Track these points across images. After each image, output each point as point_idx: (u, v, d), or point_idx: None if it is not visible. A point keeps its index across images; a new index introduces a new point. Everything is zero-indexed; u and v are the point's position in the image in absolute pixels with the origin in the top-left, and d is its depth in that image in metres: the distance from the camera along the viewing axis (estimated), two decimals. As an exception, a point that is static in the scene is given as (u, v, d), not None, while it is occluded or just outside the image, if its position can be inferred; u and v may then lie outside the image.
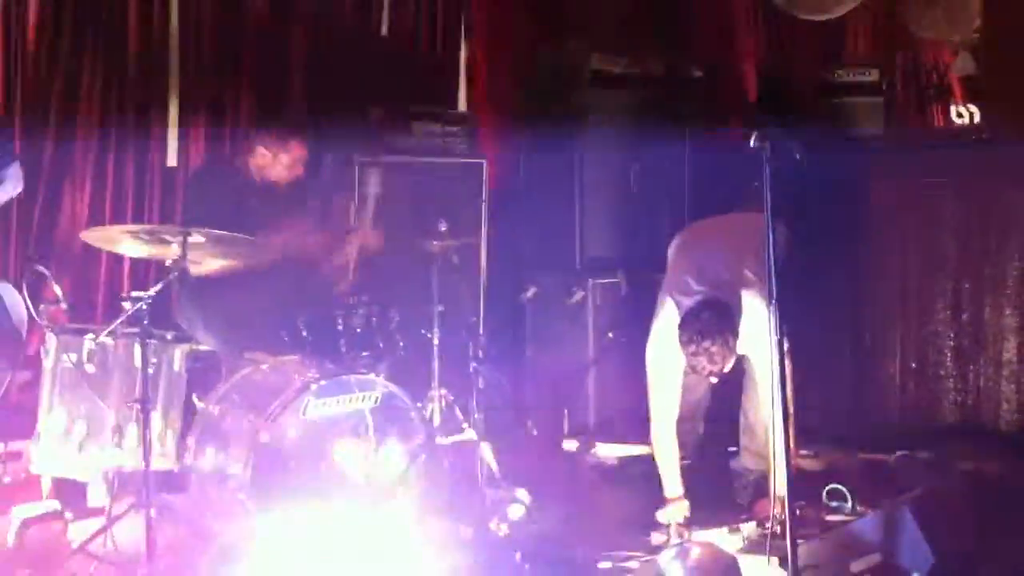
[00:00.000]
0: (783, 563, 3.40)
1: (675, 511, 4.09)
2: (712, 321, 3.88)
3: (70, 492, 4.08)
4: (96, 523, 3.78)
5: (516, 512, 4.08)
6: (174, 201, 4.85)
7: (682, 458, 4.21)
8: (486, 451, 4.45)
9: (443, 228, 4.67)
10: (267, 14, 5.36)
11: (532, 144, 5.87)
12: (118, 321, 3.58)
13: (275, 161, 4.40)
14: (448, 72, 6.08)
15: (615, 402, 5.27)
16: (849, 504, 4.22)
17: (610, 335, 5.31)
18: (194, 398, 4.03)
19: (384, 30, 5.84)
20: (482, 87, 6.13)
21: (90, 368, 3.90)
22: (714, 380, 4.01)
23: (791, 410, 3.81)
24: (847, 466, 4.70)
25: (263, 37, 5.32)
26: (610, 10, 6.21)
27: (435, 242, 4.66)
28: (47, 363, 3.94)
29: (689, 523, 4.06)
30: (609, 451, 5.04)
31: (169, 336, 4.09)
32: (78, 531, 3.72)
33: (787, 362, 3.64)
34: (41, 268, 4.07)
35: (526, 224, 5.76)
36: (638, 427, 4.54)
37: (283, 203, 4.45)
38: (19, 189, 4.27)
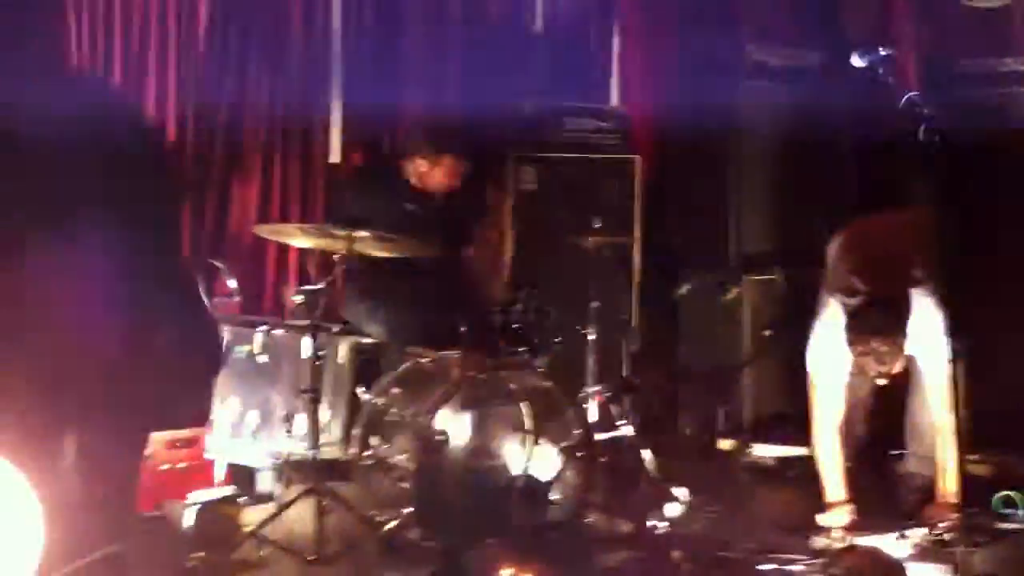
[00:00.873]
0: (954, 572, 3.31)
1: (837, 515, 4.00)
2: (880, 320, 3.79)
3: (241, 478, 4.25)
4: (267, 508, 3.93)
5: (674, 510, 4.07)
6: (338, 196, 4.96)
7: (843, 461, 4.12)
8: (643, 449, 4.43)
9: (597, 224, 4.67)
10: (423, 12, 5.44)
11: (686, 138, 5.82)
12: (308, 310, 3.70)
13: (431, 173, 4.52)
14: (601, 67, 6.05)
15: (772, 402, 5.18)
16: (1021, 511, 4.06)
17: (766, 333, 5.22)
18: (358, 390, 4.13)
19: (538, 26, 5.86)
20: (635, 81, 6.09)
21: (262, 359, 4.05)
22: (882, 382, 3.91)
23: (961, 413, 3.70)
24: (1020, 471, 4.51)
25: (420, 35, 5.41)
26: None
27: (589, 239, 4.67)
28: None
29: (853, 528, 3.97)
30: (766, 451, 4.96)
31: (335, 329, 4.22)
32: (250, 516, 3.85)
33: (957, 363, 3.57)
34: (216, 262, 4.24)
35: (680, 220, 5.71)
36: (796, 428, 4.48)
37: (440, 211, 4.54)
38: None
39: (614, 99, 6.06)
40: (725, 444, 5.12)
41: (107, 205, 2.38)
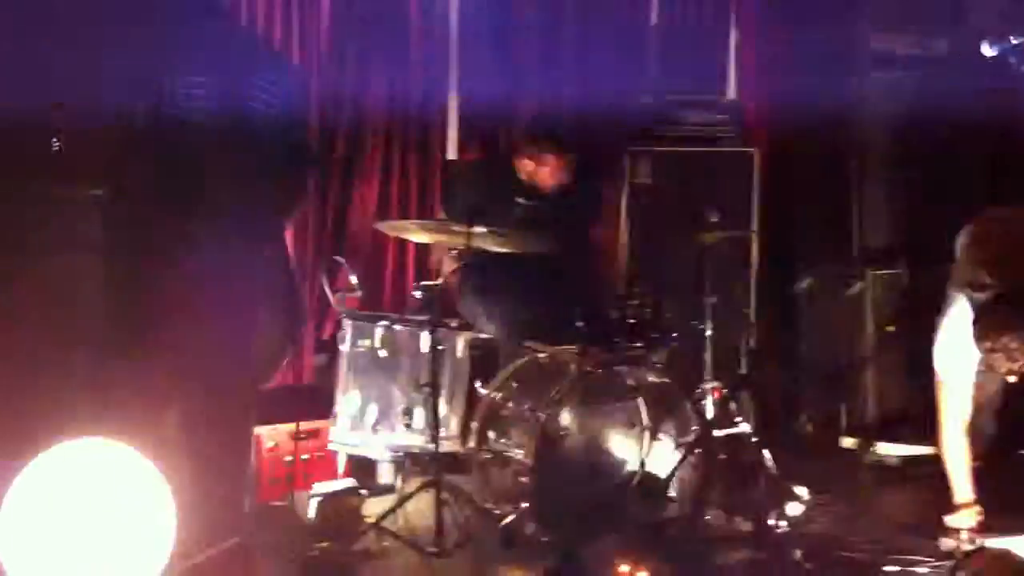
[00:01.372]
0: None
1: (966, 517, 3.88)
2: (1010, 316, 3.65)
3: (361, 469, 4.34)
4: (387, 500, 4.00)
5: (795, 509, 4.00)
6: (453, 192, 5.01)
7: (971, 460, 4.00)
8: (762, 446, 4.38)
9: (714, 218, 4.62)
10: (539, 7, 5.44)
11: (805, 130, 5.70)
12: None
13: (539, 170, 4.57)
14: (718, 59, 5.97)
15: (896, 399, 5.05)
16: None
17: (890, 328, 5.09)
18: (476, 384, 4.18)
19: (654, 19, 5.82)
20: (753, 73, 6.00)
21: (383, 353, 4.13)
22: (1012, 379, 3.78)
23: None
24: None
25: (536, 30, 5.42)
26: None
27: (706, 233, 4.62)
28: (343, 347, 4.20)
29: (981, 530, 3.84)
30: (890, 450, 4.84)
31: (453, 324, 4.27)
32: (371, 507, 3.93)
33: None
34: (338, 257, 4.34)
35: (799, 213, 5.61)
36: (921, 426, 4.35)
37: (552, 206, 4.57)
38: None
39: (731, 91, 5.97)
40: (847, 442, 5.01)
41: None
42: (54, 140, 2.56)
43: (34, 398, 1.82)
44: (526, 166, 4.60)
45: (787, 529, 3.91)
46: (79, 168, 2.52)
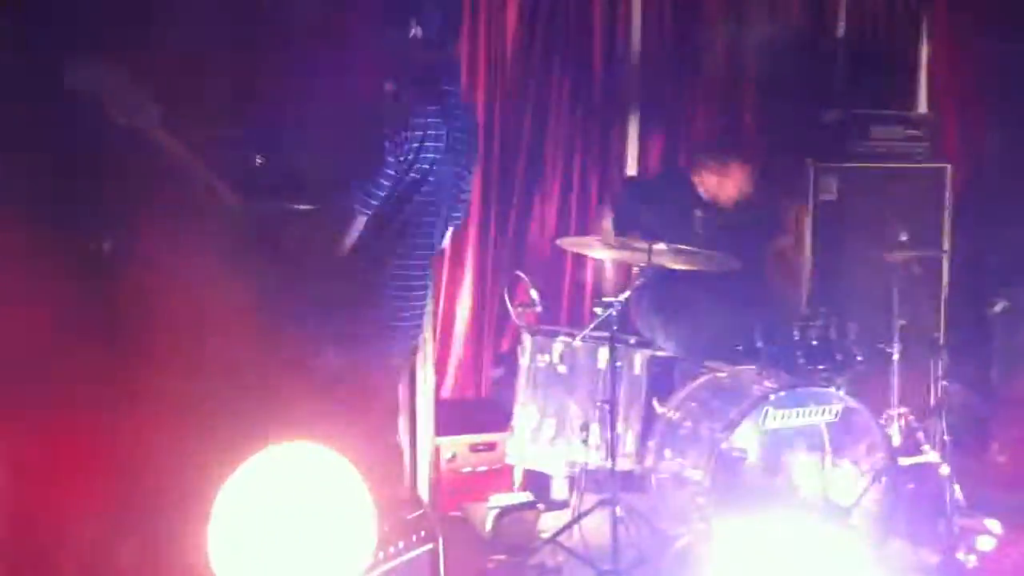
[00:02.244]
0: None
1: None
2: None
3: (536, 484, 4.37)
4: (562, 516, 4.03)
5: (986, 544, 3.83)
6: (632, 207, 4.99)
7: None
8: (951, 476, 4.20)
9: (903, 238, 4.47)
10: (722, 28, 5.38)
11: (1001, 146, 5.46)
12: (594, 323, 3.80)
13: (718, 185, 4.51)
14: (908, 72, 5.78)
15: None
16: None
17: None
18: (654, 402, 4.15)
19: (840, 31, 5.68)
20: (945, 86, 5.78)
21: (562, 369, 4.15)
22: None
23: None
24: None
25: (717, 42, 5.36)
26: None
27: (895, 252, 4.47)
28: (523, 361, 4.24)
29: None
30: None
31: (631, 341, 4.26)
32: (547, 522, 3.96)
33: None
34: (520, 273, 4.39)
35: (994, 232, 5.36)
36: None
37: (729, 221, 4.50)
38: None
39: (922, 105, 5.77)
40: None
41: None
42: (258, 157, 2.69)
43: (245, 402, 1.91)
44: (708, 180, 4.54)
45: (977, 564, 3.75)
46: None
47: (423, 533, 2.38)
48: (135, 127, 2.17)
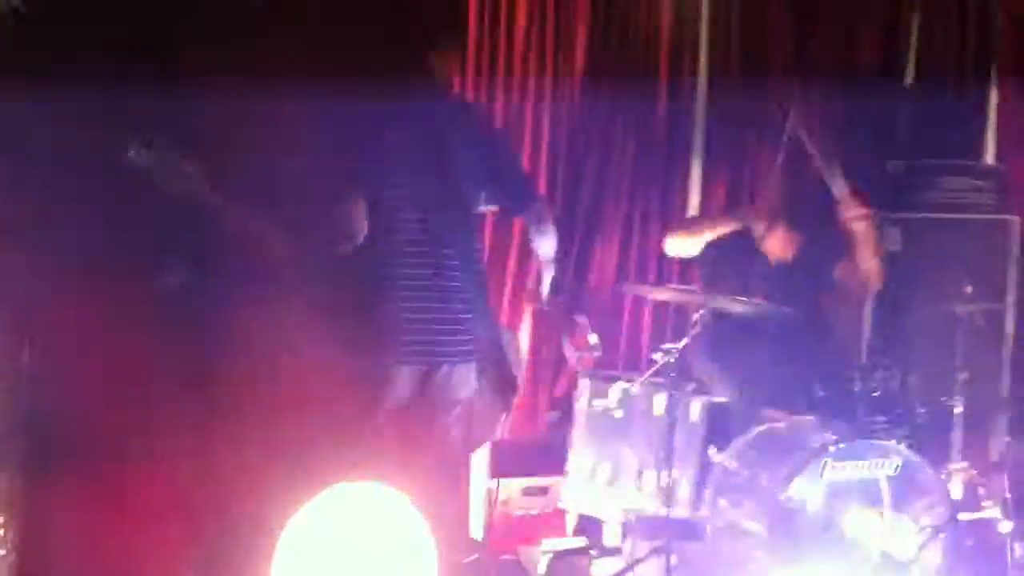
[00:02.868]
0: None
1: None
2: None
3: (589, 529, 4.35)
4: (615, 562, 4.00)
5: (1048, 605, 3.74)
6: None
7: None
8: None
9: (968, 289, 4.42)
10: (787, 73, 5.37)
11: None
12: (651, 371, 3.79)
13: (768, 238, 4.47)
14: (976, 121, 5.73)
15: None
16: None
17: None
18: (710, 450, 4.12)
19: (909, 79, 5.65)
20: (1013, 136, 5.72)
21: (618, 414, 4.15)
22: None
23: None
24: None
25: (777, 93, 5.35)
26: None
27: (959, 304, 4.42)
28: (579, 406, 4.25)
29: None
30: None
31: (689, 387, 4.24)
32: (600, 568, 3.94)
33: None
34: (579, 316, 4.39)
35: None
36: None
37: (783, 278, 4.47)
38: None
39: (989, 156, 5.71)
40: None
41: None
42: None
43: (312, 441, 1.94)
44: (757, 231, 4.52)
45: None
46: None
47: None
48: (186, 192, 2.28)
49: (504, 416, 3.49)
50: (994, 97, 5.77)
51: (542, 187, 4.91)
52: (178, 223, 2.10)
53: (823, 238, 4.65)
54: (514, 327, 4.91)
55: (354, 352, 2.45)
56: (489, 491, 4.26)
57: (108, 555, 1.66)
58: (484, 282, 3.42)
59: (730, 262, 4.43)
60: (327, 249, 2.75)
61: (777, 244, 4.49)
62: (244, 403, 1.81)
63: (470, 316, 3.22)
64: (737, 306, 3.93)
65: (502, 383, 3.34)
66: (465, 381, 3.20)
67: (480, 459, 4.17)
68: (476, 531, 4.17)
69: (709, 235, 4.40)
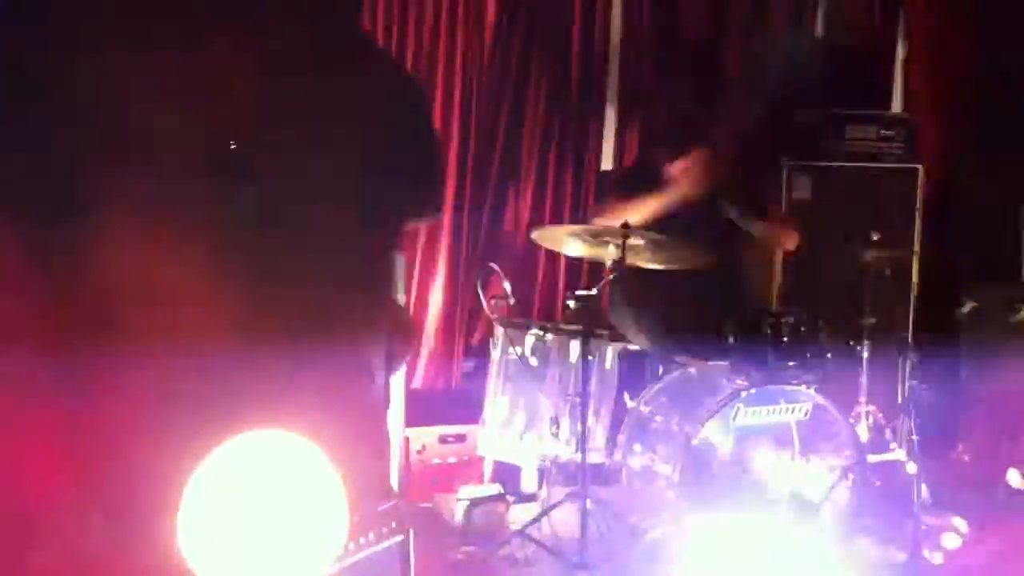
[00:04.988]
0: None
1: None
2: None
3: (506, 476, 4.37)
4: (531, 508, 4.02)
5: (952, 542, 3.86)
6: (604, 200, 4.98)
7: None
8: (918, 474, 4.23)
9: (875, 237, 4.51)
10: (704, 20, 5.39)
11: (975, 147, 5.51)
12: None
13: (680, 173, 4.49)
14: (884, 73, 5.81)
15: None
16: None
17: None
18: (625, 396, 4.16)
19: (819, 30, 5.70)
20: (920, 87, 5.81)
21: (533, 361, 4.15)
22: None
23: None
24: None
25: (698, 44, 5.37)
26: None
27: (867, 252, 4.50)
28: (495, 354, 4.24)
29: None
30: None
31: (604, 334, 4.26)
32: (516, 515, 3.96)
33: None
34: (493, 265, 4.37)
35: (965, 234, 5.40)
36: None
37: (697, 213, 4.50)
38: None
39: (896, 106, 5.80)
40: (1012, 477, 4.77)
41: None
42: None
43: (216, 390, 1.88)
44: (670, 170, 4.53)
45: (943, 562, 3.78)
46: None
47: (394, 524, 2.36)
48: None
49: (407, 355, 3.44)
50: (901, 48, 5.85)
51: (455, 137, 4.87)
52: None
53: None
54: (429, 276, 4.89)
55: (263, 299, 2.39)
56: (405, 440, 4.24)
57: (3, 510, 1.60)
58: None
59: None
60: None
61: (689, 172, 4.50)
62: (143, 352, 1.74)
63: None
64: (652, 259, 3.94)
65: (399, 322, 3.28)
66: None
67: (396, 408, 4.14)
68: (393, 480, 4.16)
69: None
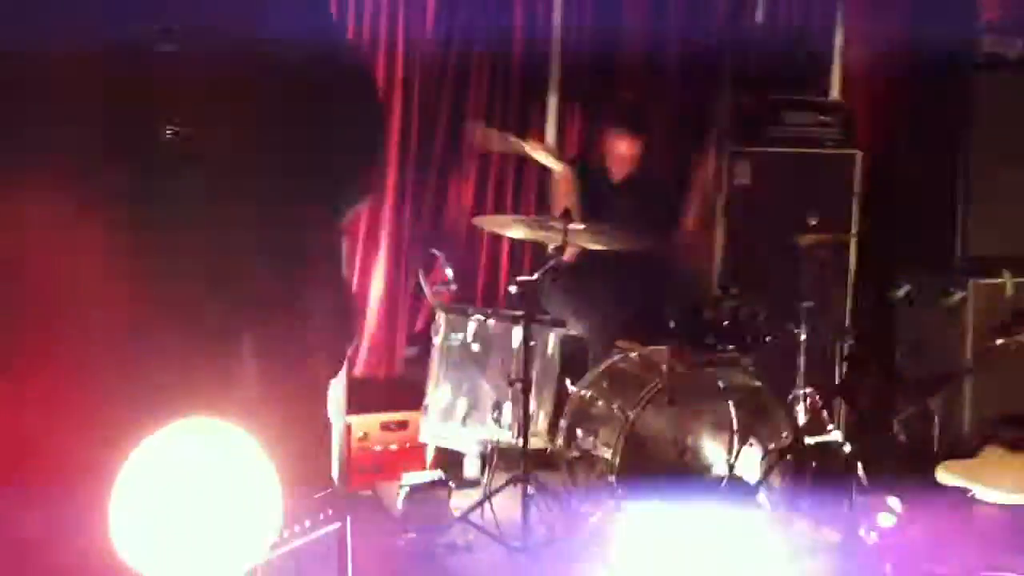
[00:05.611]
0: None
1: None
2: None
3: (449, 462, 4.38)
4: (473, 493, 4.04)
5: (887, 520, 3.93)
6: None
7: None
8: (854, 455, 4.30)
9: (813, 222, 4.56)
10: (643, 10, 5.41)
11: (911, 134, 5.59)
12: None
13: (612, 154, 4.56)
14: (823, 58, 5.88)
15: (993, 414, 4.91)
16: None
17: (1000, 342, 4.94)
18: (566, 381, 4.18)
19: (759, 16, 5.75)
20: (857, 73, 5.89)
21: (475, 347, 4.16)
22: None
23: None
24: None
25: (637, 25, 5.38)
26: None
27: (804, 236, 4.56)
28: (437, 340, 4.23)
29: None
30: (991, 497, 4.62)
31: (545, 320, 4.28)
32: (458, 500, 3.97)
33: None
34: (435, 251, 4.37)
35: (901, 219, 5.49)
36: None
37: (630, 196, 4.55)
38: None
39: (835, 92, 5.88)
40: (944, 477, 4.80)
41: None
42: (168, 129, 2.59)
43: (149, 376, 1.87)
44: (606, 148, 4.61)
45: (878, 541, 3.84)
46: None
47: (330, 511, 2.36)
48: None
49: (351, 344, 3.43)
50: (839, 35, 5.91)
51: (396, 123, 4.85)
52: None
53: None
54: (370, 263, 4.87)
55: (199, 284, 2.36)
56: (347, 427, 4.23)
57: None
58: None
59: (586, 191, 4.47)
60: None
61: (620, 155, 4.56)
62: (72, 336, 1.73)
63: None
64: (595, 241, 3.96)
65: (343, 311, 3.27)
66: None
67: (337, 395, 4.13)
68: (333, 467, 4.14)
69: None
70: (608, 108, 5.02)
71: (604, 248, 4.05)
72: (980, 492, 4.48)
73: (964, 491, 4.51)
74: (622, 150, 4.61)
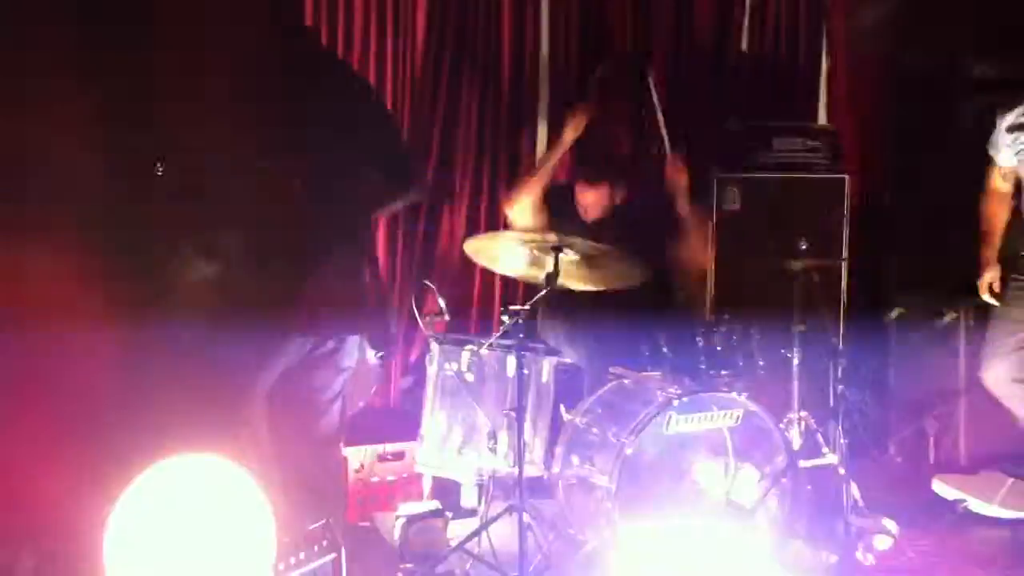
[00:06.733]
0: None
1: None
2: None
3: (445, 492, 4.38)
4: (470, 523, 4.03)
5: (883, 543, 3.94)
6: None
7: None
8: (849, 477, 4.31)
9: (804, 246, 4.59)
10: (627, 38, 5.46)
11: (899, 157, 5.64)
12: (500, 331, 3.81)
13: (584, 199, 4.59)
14: (809, 85, 5.93)
15: (988, 435, 4.92)
16: None
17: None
18: (561, 409, 4.19)
19: (744, 45, 5.80)
20: (845, 99, 5.95)
21: (469, 377, 4.16)
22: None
23: None
24: None
25: (623, 59, 5.43)
26: (987, 7, 5.81)
27: (795, 261, 4.59)
28: (431, 370, 4.24)
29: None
30: (984, 510, 4.63)
31: (539, 348, 4.29)
32: (455, 530, 3.97)
33: None
34: (427, 282, 4.40)
35: (891, 242, 5.53)
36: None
37: (609, 231, 4.57)
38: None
39: (822, 118, 5.93)
40: (939, 487, 4.81)
41: None
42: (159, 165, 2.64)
43: (143, 414, 1.89)
44: (577, 192, 4.65)
45: (874, 563, 3.85)
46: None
47: (325, 543, 2.37)
48: None
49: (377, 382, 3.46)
50: (825, 60, 5.97)
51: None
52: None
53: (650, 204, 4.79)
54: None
55: (241, 325, 2.38)
56: (344, 459, 4.23)
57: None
58: (372, 250, 3.39)
59: (562, 223, 4.49)
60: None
61: (586, 199, 4.59)
62: (64, 378, 1.75)
63: (359, 289, 3.17)
64: (584, 280, 3.99)
65: (385, 351, 3.32)
66: (350, 352, 3.17)
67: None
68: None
69: (533, 191, 4.49)
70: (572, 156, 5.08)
71: (592, 289, 4.07)
72: (974, 505, 4.52)
73: (959, 502, 4.54)
74: (588, 199, 4.65)
